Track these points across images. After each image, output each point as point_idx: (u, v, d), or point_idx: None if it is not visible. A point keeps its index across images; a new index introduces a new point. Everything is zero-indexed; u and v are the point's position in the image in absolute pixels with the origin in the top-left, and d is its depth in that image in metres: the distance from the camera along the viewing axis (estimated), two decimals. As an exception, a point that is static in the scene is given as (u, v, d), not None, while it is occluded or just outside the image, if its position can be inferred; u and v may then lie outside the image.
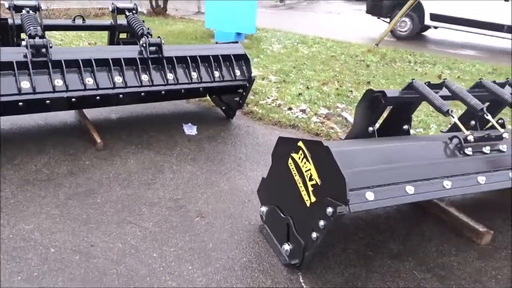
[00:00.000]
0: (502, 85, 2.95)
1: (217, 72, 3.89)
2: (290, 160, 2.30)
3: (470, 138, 2.22)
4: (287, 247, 2.37)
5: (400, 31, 10.86)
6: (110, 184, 3.07)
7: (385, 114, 3.15)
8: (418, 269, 2.47)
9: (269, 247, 2.53)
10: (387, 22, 10.90)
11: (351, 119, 4.43)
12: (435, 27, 10.90)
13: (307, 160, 2.13)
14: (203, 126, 4.21)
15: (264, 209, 2.65)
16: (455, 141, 2.24)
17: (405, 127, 2.89)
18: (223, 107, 4.54)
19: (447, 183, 2.07)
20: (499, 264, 2.57)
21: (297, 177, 2.24)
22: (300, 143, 2.19)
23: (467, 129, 2.42)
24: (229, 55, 3.97)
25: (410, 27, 10.78)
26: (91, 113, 4.12)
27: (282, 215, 2.43)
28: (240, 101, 4.24)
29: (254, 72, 6.15)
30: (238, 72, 4.01)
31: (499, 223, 3.00)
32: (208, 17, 8.62)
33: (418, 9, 10.30)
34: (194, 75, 3.77)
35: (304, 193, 2.19)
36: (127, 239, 2.51)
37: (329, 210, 1.93)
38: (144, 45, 3.55)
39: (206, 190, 3.09)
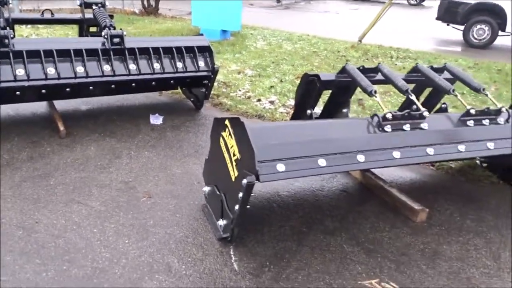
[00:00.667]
0: (439, 70, 3.05)
1: (180, 63, 4.02)
2: (221, 139, 2.42)
3: (389, 116, 2.32)
4: (221, 222, 2.49)
5: (476, 39, 9.90)
6: (66, 168, 3.21)
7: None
8: (348, 243, 2.57)
9: (208, 224, 2.65)
10: (460, 29, 10.29)
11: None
12: None
13: (231, 136, 2.25)
14: (170, 117, 4.34)
15: (206, 189, 2.77)
16: (375, 119, 2.35)
17: (344, 110, 3.00)
18: (192, 99, 4.67)
19: (360, 157, 2.17)
20: (429, 239, 2.67)
21: (226, 154, 2.36)
22: (226, 121, 2.31)
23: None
24: (193, 46, 4.10)
25: (488, 35, 9.77)
26: (62, 104, 4.27)
27: (218, 192, 2.54)
28: (206, 92, 4.37)
29: (232, 66, 6.33)
30: (202, 63, 4.14)
31: (440, 203, 3.09)
32: (195, 15, 8.78)
33: (499, 16, 9.66)
34: (157, 66, 3.91)
35: (231, 168, 2.30)
36: (72, 216, 2.64)
37: (244, 181, 2.05)
38: (106, 36, 3.70)
39: (159, 174, 3.22)
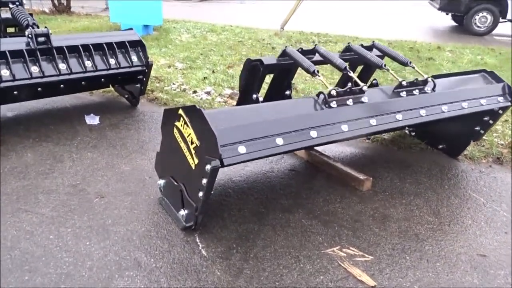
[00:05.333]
0: (369, 48, 3.28)
1: (112, 59, 3.89)
2: (174, 129, 2.42)
3: (333, 92, 2.47)
4: (182, 212, 2.50)
5: (478, 27, 10.19)
6: (5, 178, 3.00)
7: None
8: (306, 218, 2.71)
9: (168, 216, 2.64)
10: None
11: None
12: None
13: (187, 125, 2.27)
14: (106, 116, 4.20)
15: (161, 182, 2.76)
16: (321, 96, 2.49)
17: (287, 92, 3.12)
18: (126, 96, 4.55)
19: (313, 133, 2.30)
20: (377, 205, 2.90)
21: (182, 144, 2.37)
22: (180, 111, 2.32)
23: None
24: (124, 42, 3.99)
25: (490, 23, 10.07)
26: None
27: (175, 183, 2.55)
28: (142, 87, 4.28)
29: (161, 61, 6.23)
30: (135, 58, 4.04)
31: (380, 172, 3.35)
32: (113, 11, 8.44)
33: (499, 3, 10.01)
34: (89, 63, 3.76)
35: (189, 157, 2.32)
36: (22, 225, 2.50)
37: (208, 167, 2.08)
38: (30, 36, 3.48)
39: (106, 173, 3.13)
